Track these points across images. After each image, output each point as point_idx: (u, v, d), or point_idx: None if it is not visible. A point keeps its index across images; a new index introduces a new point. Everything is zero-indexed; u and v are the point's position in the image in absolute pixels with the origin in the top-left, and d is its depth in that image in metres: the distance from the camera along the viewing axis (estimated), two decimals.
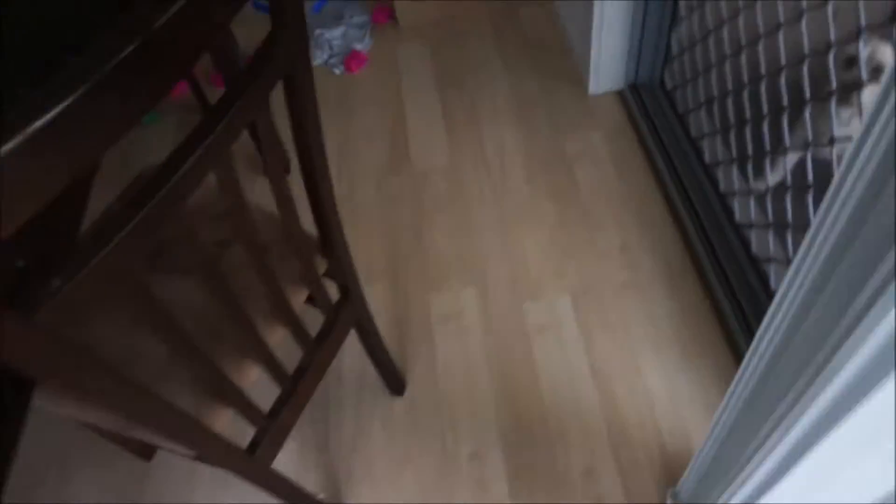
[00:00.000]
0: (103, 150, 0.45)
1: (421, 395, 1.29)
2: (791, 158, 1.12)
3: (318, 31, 1.92)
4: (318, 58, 1.90)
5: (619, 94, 1.73)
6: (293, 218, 0.76)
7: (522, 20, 1.97)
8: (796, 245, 1.16)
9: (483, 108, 1.76)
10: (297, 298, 0.90)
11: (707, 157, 1.44)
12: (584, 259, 1.43)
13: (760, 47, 1.11)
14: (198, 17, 0.48)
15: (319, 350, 0.95)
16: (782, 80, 1.06)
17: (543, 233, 1.49)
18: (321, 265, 0.93)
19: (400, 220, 1.56)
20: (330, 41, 1.90)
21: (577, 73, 1.79)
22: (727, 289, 1.27)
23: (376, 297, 1.44)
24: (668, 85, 1.61)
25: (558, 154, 1.64)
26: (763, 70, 1.12)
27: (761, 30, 1.11)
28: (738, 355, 1.24)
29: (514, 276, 1.43)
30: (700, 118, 1.44)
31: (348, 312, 1.01)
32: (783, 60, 1.06)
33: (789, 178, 1.12)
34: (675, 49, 1.52)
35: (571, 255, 1.45)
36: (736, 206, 1.34)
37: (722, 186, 1.40)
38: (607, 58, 1.65)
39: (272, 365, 0.84)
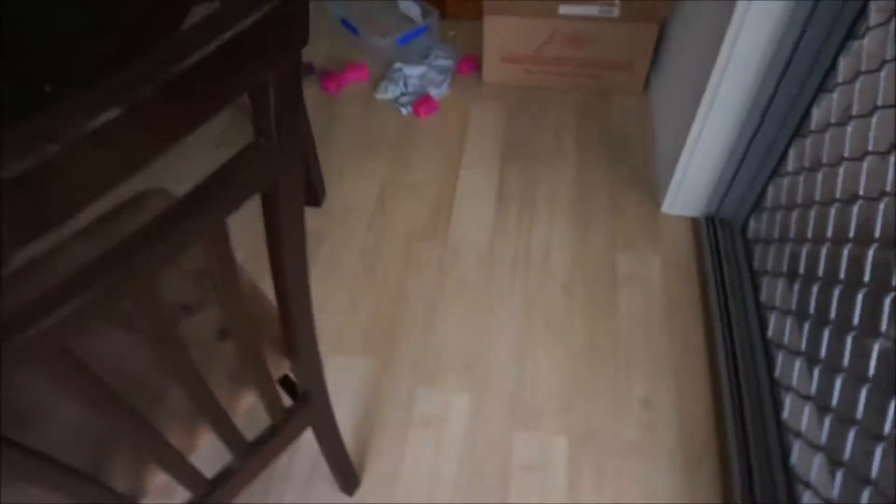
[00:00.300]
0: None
1: (371, 501, 1.14)
2: (864, 389, 0.92)
3: (397, 65, 1.81)
4: (391, 92, 1.78)
5: (694, 221, 1.55)
6: (245, 330, 0.63)
7: (613, 108, 1.80)
8: (846, 490, 0.97)
9: (542, 193, 1.61)
10: (242, 399, 0.76)
11: (771, 333, 1.25)
12: (597, 400, 1.26)
13: (871, 252, 0.92)
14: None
15: (255, 455, 0.81)
16: (887, 303, 0.87)
17: (564, 355, 1.32)
18: (282, 366, 0.79)
19: (417, 292, 1.42)
20: (407, 78, 1.78)
21: (653, 184, 1.62)
22: (748, 497, 1.08)
23: (360, 371, 1.30)
24: (751, 234, 1.42)
25: (608, 268, 1.47)
26: (867, 277, 0.94)
27: (878, 232, 0.92)
28: None
29: (516, 395, 1.27)
30: (775, 287, 1.25)
31: (304, 419, 0.87)
32: (894, 280, 0.87)
33: (861, 411, 0.93)
34: (769, 199, 1.33)
35: (586, 391, 1.27)
36: (787, 403, 1.15)
37: (778, 373, 1.21)
38: (692, 179, 1.47)
39: (185, 475, 0.70)
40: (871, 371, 0.91)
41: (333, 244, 1.51)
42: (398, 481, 1.16)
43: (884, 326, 0.89)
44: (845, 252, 1.00)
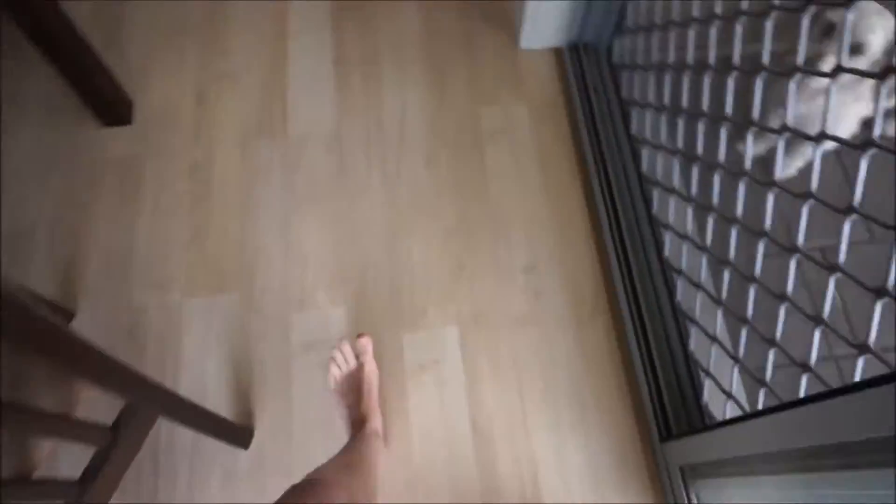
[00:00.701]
0: None
1: (270, 446, 1.08)
2: (734, 230, 0.88)
3: None
4: None
5: (557, 52, 1.39)
6: None
7: None
8: (729, 323, 0.97)
9: (386, 51, 1.39)
10: (37, 452, 0.63)
11: (645, 167, 1.18)
12: (480, 278, 1.19)
13: (730, 81, 0.82)
14: None
15: (95, 483, 0.70)
16: (749, 138, 0.79)
17: (437, 237, 1.22)
18: (74, 396, 0.65)
19: (265, 203, 1.25)
20: None
21: (508, 17, 1.43)
22: (643, 340, 1.08)
23: (223, 311, 1.16)
24: (616, 59, 1.29)
25: (471, 128, 1.32)
26: (729, 109, 0.84)
27: (736, 58, 0.81)
28: (641, 421, 1.08)
29: (396, 295, 1.18)
30: (644, 118, 1.15)
31: (141, 423, 0.75)
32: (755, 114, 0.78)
33: (733, 252, 0.89)
34: (630, 19, 1.18)
35: (467, 272, 1.20)
36: (667, 242, 1.12)
37: (655, 208, 1.16)
38: (548, 5, 1.29)
39: None
40: (739, 212, 0.86)
41: (157, 167, 1.28)
42: (293, 418, 1.09)
43: (748, 165, 0.82)
44: (706, 81, 0.90)
